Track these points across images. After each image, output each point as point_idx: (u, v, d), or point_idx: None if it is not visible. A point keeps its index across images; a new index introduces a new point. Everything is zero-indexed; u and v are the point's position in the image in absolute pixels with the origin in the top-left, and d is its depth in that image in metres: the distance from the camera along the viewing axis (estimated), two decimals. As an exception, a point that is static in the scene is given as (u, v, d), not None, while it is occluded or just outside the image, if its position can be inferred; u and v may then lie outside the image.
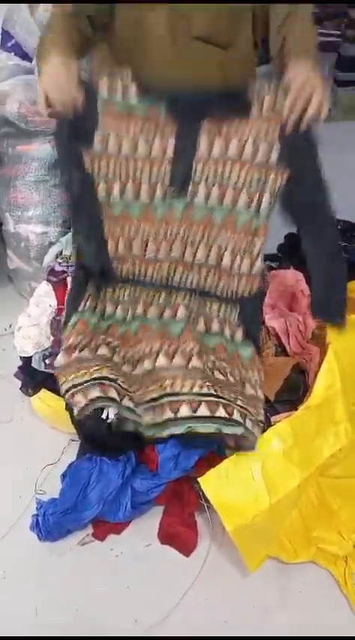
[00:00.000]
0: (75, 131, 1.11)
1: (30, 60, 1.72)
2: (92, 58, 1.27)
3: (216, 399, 1.09)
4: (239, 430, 1.09)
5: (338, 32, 2.86)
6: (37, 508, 1.23)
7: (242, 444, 1.14)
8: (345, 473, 1.26)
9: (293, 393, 1.26)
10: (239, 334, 1.24)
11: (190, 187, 1.16)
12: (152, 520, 1.28)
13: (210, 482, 1.12)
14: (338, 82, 3.02)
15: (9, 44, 1.74)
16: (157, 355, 1.16)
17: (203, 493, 1.16)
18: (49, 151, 1.63)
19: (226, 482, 1.11)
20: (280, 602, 1.15)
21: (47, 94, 1.03)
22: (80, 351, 1.15)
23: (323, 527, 1.23)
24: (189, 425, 1.09)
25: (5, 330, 1.79)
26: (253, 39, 1.21)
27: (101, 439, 1.24)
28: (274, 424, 1.21)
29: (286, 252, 1.92)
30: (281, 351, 1.33)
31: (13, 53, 1.73)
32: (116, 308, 1.23)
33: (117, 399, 1.12)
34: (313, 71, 1.01)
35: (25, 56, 1.73)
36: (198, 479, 1.14)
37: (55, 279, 1.38)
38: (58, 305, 1.34)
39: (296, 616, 1.13)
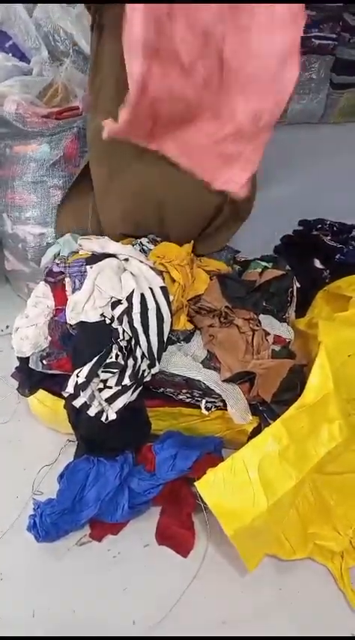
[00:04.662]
0: None
1: (28, 61, 1.72)
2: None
3: None
4: None
5: (334, 35, 2.87)
6: (34, 509, 1.23)
7: None
8: (340, 469, 1.27)
9: (290, 394, 1.27)
10: None
11: None
12: (149, 521, 1.28)
13: (207, 487, 1.12)
14: (334, 85, 3.03)
15: (7, 45, 1.74)
16: None
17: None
18: (47, 152, 1.63)
19: (223, 487, 1.11)
20: (278, 600, 1.15)
21: None
22: None
23: (319, 523, 1.24)
24: None
25: (2, 330, 1.78)
26: None
27: (98, 440, 1.24)
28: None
29: (282, 253, 1.95)
30: (279, 352, 1.33)
31: (10, 54, 1.73)
32: None
33: None
34: None
35: (22, 57, 1.73)
36: (195, 484, 1.14)
37: (52, 280, 1.38)
38: (55, 306, 1.34)
39: (294, 614, 1.13)
